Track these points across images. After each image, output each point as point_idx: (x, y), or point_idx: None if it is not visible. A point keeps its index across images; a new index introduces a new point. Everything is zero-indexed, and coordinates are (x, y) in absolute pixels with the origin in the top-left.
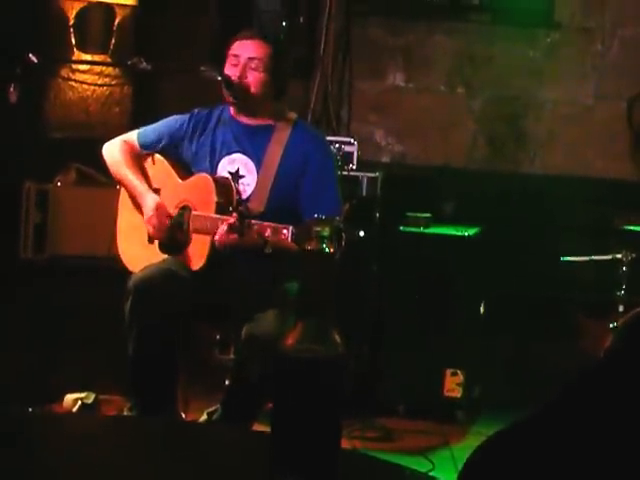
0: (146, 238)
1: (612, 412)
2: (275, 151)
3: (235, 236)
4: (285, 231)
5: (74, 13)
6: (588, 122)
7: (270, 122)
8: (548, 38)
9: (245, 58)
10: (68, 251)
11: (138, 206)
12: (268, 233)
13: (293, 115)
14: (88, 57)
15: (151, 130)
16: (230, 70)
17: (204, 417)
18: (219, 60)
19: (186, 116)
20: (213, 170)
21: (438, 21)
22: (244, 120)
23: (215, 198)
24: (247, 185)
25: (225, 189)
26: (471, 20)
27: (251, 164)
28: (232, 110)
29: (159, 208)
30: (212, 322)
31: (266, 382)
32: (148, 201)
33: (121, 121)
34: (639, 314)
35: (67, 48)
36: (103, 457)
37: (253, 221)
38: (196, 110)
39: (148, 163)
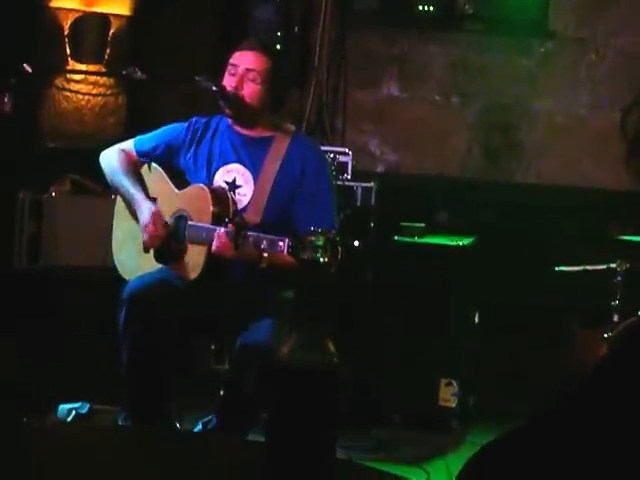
0: (141, 247)
1: (607, 420)
2: (273, 162)
3: (231, 247)
4: (281, 243)
5: (69, 23)
6: (582, 132)
7: (269, 134)
8: (542, 48)
9: (243, 69)
10: (62, 261)
11: (134, 214)
12: (264, 245)
13: (292, 127)
14: (83, 67)
15: (148, 138)
16: (228, 80)
17: (198, 427)
18: (214, 70)
19: (184, 125)
20: (210, 179)
21: (433, 31)
22: (243, 131)
23: (211, 208)
24: (243, 195)
25: (222, 200)
26: (465, 30)
27: (248, 174)
28: (230, 120)
29: (155, 216)
30: (207, 332)
31: (261, 392)
32: (144, 209)
33: (116, 131)
34: (633, 324)
35: (62, 58)
36: (97, 467)
37: (249, 232)
38: (194, 119)
39: (145, 172)
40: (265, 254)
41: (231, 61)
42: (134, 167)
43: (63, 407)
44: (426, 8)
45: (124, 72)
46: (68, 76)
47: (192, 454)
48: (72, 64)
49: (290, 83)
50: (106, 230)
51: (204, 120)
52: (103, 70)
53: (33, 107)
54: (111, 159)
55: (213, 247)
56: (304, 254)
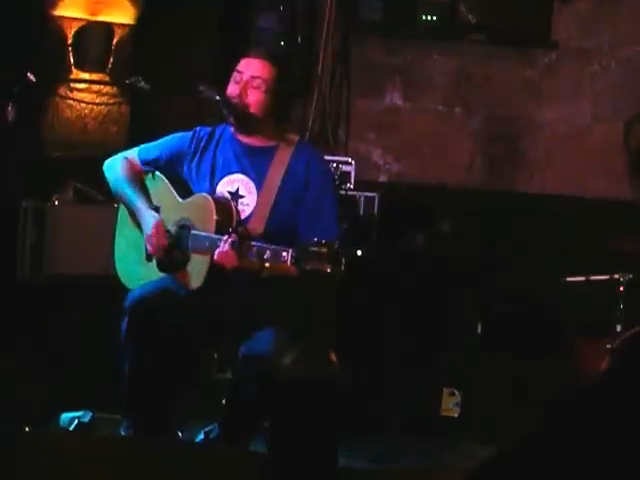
0: (144, 255)
1: (611, 430)
2: (276, 172)
3: (234, 257)
4: (285, 254)
5: (72, 32)
6: (585, 142)
7: (272, 143)
8: (545, 58)
9: (248, 76)
10: (65, 270)
11: (137, 223)
12: (267, 255)
13: (295, 137)
14: (86, 76)
15: (152, 147)
16: (232, 87)
17: (201, 436)
18: (218, 79)
19: (188, 134)
20: (213, 188)
21: (436, 40)
22: (246, 140)
23: (215, 217)
24: (246, 205)
25: (225, 209)
26: (469, 40)
27: (251, 184)
28: (233, 129)
29: (158, 227)
30: (209, 340)
31: (263, 401)
32: (147, 219)
33: (119, 140)
34: (635, 335)
35: (65, 67)
36: (99, 476)
37: (252, 242)
38: (198, 128)
39: (149, 181)
40: (267, 264)
41: (237, 68)
42: (138, 176)
43: (65, 416)
44: (429, 18)
45: (127, 81)
46: (71, 85)
47: (194, 464)
48: (75, 73)
49: (296, 94)
50: (109, 238)
51: (208, 129)
52: (106, 79)
53: (36, 116)
54: (115, 167)
55: (216, 256)
56: (307, 265)
